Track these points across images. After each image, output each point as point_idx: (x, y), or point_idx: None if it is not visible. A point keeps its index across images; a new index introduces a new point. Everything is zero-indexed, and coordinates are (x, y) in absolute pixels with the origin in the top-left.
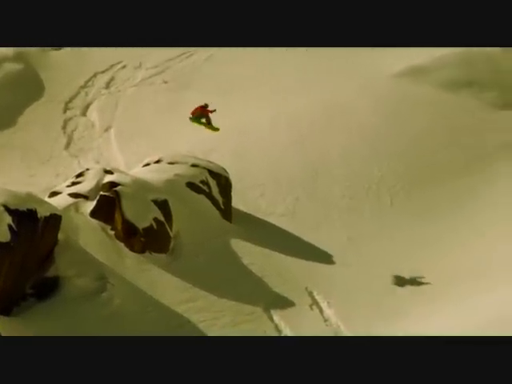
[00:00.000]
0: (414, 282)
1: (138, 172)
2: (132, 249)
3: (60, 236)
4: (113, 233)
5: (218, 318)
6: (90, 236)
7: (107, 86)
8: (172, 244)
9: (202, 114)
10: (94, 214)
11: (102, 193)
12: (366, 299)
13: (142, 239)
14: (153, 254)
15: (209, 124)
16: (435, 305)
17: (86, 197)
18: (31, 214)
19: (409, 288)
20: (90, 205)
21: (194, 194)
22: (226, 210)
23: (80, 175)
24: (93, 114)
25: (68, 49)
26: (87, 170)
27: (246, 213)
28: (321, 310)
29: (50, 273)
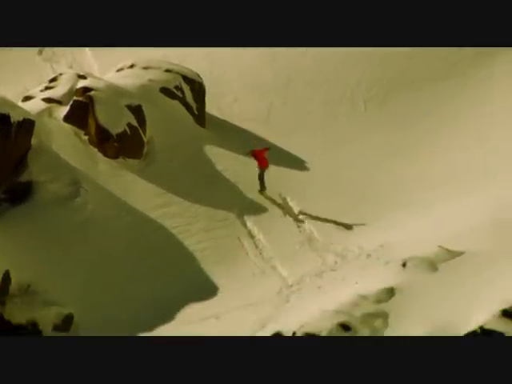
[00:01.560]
0: (389, 186)
1: (112, 77)
2: (106, 154)
3: (33, 141)
4: (86, 138)
5: (192, 223)
6: (63, 141)
7: None
8: (146, 149)
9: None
10: (68, 119)
11: (75, 98)
12: (340, 205)
13: (115, 144)
14: (126, 159)
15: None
16: (409, 209)
17: (59, 102)
18: (4, 118)
19: (383, 193)
20: (64, 110)
21: (167, 99)
22: (200, 116)
23: (53, 80)
24: None
25: None
26: (60, 74)
27: (219, 118)
28: (294, 216)
29: (23, 178)
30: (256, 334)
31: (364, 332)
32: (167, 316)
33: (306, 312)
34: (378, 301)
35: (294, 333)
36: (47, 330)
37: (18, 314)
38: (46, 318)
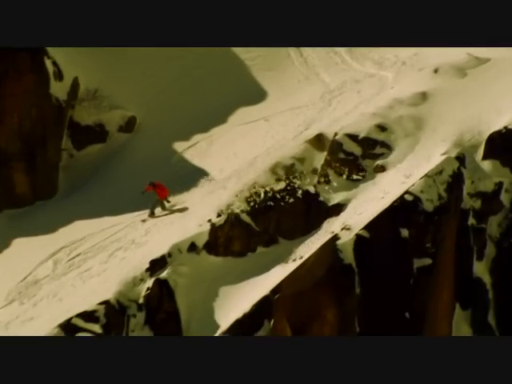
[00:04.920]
0: None
1: None
2: None
3: None
4: None
5: None
6: None
7: None
8: None
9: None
10: None
11: None
12: None
13: None
14: None
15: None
16: None
17: None
18: None
19: None
20: None
21: None
22: None
23: None
24: None
25: None
26: None
27: None
28: None
29: None
30: (301, 134)
31: (399, 133)
32: (221, 119)
33: (347, 115)
34: (412, 104)
35: (335, 134)
36: (113, 131)
37: (86, 116)
38: (112, 120)
